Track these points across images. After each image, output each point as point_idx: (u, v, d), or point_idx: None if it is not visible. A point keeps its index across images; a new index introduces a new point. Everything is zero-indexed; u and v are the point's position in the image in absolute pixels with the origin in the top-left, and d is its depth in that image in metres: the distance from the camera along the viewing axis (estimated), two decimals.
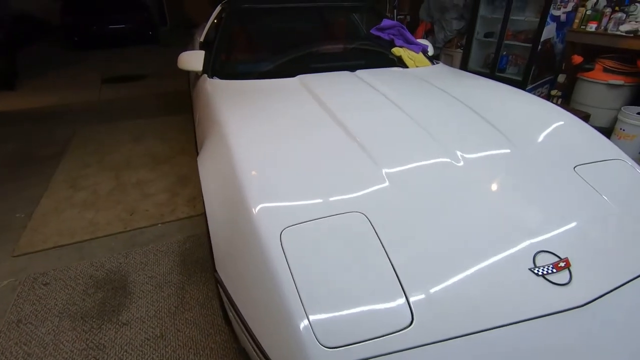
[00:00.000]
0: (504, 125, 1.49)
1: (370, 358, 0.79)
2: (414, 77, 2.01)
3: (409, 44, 2.38)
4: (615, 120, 3.10)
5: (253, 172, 1.14)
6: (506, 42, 4.04)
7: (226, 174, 1.17)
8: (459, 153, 1.28)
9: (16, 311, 1.60)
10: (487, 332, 0.84)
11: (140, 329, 1.52)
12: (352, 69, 2.02)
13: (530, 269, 0.96)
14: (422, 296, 0.88)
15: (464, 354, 0.82)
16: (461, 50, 4.57)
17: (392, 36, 2.40)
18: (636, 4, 3.19)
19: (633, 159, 3.32)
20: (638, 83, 3.14)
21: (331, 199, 1.08)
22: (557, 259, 0.98)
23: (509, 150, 1.35)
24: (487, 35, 4.29)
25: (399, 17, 5.43)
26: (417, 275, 0.92)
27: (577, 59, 3.42)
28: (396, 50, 2.30)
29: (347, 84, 1.82)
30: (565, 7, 3.54)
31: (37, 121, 3.88)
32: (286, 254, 0.92)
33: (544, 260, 0.98)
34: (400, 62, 2.26)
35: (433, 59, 2.46)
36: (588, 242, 1.06)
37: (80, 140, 3.40)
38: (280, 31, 2.41)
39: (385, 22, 2.43)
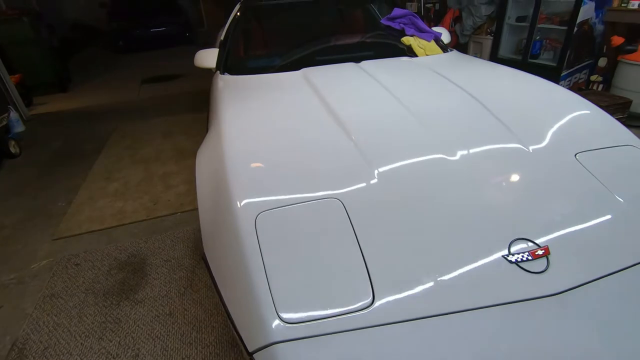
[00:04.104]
0: (506, 114, 1.42)
1: (328, 334, 0.83)
2: (420, 66, 1.98)
3: (420, 32, 2.33)
4: None
5: (239, 161, 1.20)
6: (539, 25, 3.79)
7: (216, 161, 1.25)
8: (454, 147, 1.24)
9: (51, 287, 1.81)
10: (446, 316, 0.85)
11: (152, 306, 1.66)
12: (358, 60, 2.02)
13: (504, 256, 0.94)
14: (386, 278, 0.90)
15: (421, 335, 0.83)
16: (491, 37, 4.36)
17: (403, 25, 2.36)
18: None
19: None
20: None
21: (312, 189, 1.11)
22: (535, 247, 0.95)
23: (507, 141, 1.29)
24: (519, 19, 4.05)
25: (426, 5, 5.27)
26: (384, 259, 0.94)
27: (617, 40, 3.14)
28: (406, 40, 2.26)
29: (349, 76, 1.84)
30: None
31: (83, 120, 4.26)
32: (259, 236, 0.98)
33: (521, 248, 0.95)
34: (410, 52, 2.22)
35: (447, 47, 2.39)
36: (576, 231, 1.01)
37: (117, 136, 3.69)
38: (290, 26, 2.46)
39: (396, 12, 2.39)
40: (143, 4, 8.40)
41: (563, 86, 3.73)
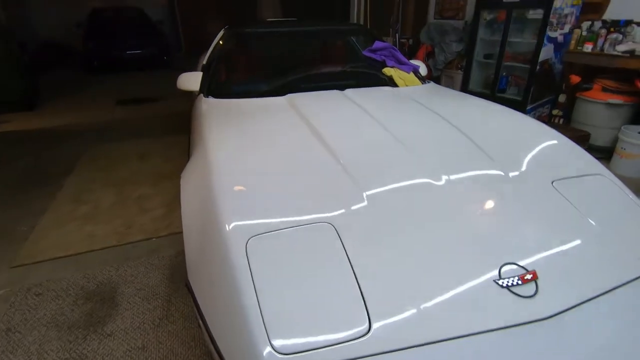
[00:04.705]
0: (487, 143, 1.49)
1: None
2: (402, 95, 2.06)
3: (400, 64, 2.44)
4: (616, 139, 3.07)
5: (228, 184, 1.18)
6: (505, 63, 4.09)
7: (203, 184, 1.22)
8: (439, 172, 1.27)
9: (7, 320, 1.65)
10: (445, 342, 0.84)
11: (123, 340, 1.54)
12: (342, 88, 2.07)
13: (494, 280, 0.95)
14: (382, 305, 0.89)
15: None
16: (461, 72, 4.64)
17: (383, 57, 2.47)
18: (633, 25, 3.22)
19: (635, 177, 3.25)
20: (637, 102, 3.12)
21: (303, 212, 1.10)
22: (523, 271, 0.98)
23: (489, 168, 1.35)
24: (486, 56, 4.35)
25: (401, 40, 5.57)
26: (378, 285, 0.93)
27: (575, 78, 3.43)
28: (387, 70, 2.36)
29: (334, 103, 1.88)
30: (562, 29, 3.60)
31: (52, 139, 4.06)
32: (250, 261, 0.94)
33: (511, 272, 0.97)
34: (390, 82, 2.31)
35: (425, 79, 2.51)
36: (559, 255, 1.05)
37: (89, 157, 3.54)
38: (274, 53, 2.51)
39: (377, 44, 2.51)
40: (121, 25, 8.36)
41: None
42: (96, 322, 1.63)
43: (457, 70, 4.81)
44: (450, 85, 4.98)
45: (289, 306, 0.87)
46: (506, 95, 4.15)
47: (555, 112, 3.96)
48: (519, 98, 3.98)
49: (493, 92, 4.25)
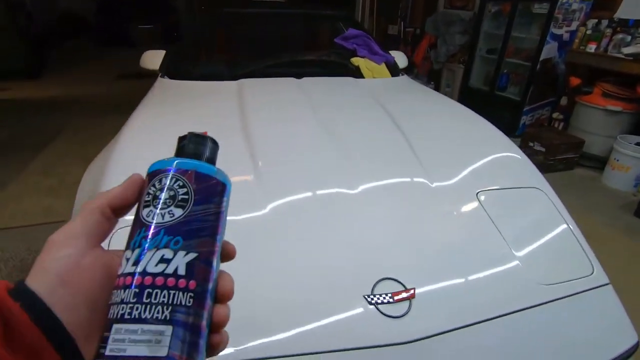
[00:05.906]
0: (424, 149, 1.37)
1: None
2: (361, 89, 1.94)
3: (372, 54, 2.32)
4: (612, 149, 2.86)
5: (121, 172, 1.13)
6: (507, 59, 3.87)
7: (100, 171, 1.18)
8: (359, 181, 1.17)
9: None
10: (288, 358, 0.78)
11: None
12: (300, 76, 1.98)
13: (365, 296, 0.88)
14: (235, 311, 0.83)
15: None
16: (463, 66, 4.42)
17: (355, 45, 2.35)
18: None
19: (625, 190, 3.01)
20: (638, 110, 2.88)
21: None
22: (400, 289, 0.90)
23: (414, 176, 1.23)
24: (489, 51, 4.13)
25: (406, 29, 5.35)
26: (240, 291, 0.87)
27: (575, 80, 3.20)
28: (355, 60, 2.24)
29: (283, 92, 1.79)
30: (568, 26, 3.35)
31: (43, 109, 4.14)
32: None
33: (385, 288, 0.90)
34: (357, 73, 2.20)
35: (400, 71, 2.38)
36: (450, 273, 0.96)
37: (72, 129, 3.58)
38: (242, 36, 2.42)
39: (351, 32, 2.38)
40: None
41: (525, 122, 3.79)
42: None
43: (459, 65, 4.58)
44: (451, 79, 4.76)
45: None
46: (505, 94, 3.94)
47: (555, 115, 3.73)
48: (517, 98, 3.77)
49: (492, 89, 4.04)
